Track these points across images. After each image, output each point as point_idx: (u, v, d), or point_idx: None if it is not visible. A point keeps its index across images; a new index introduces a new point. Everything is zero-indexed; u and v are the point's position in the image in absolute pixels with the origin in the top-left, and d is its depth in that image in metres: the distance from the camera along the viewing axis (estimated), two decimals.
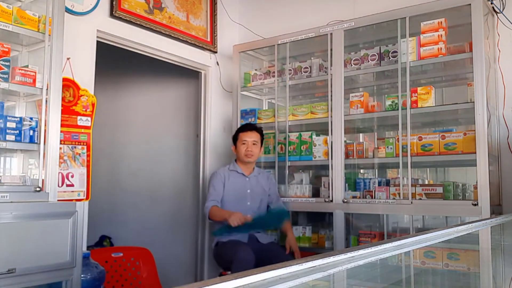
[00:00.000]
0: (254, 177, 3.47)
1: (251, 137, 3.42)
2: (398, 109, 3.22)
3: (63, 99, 2.82)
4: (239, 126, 3.88)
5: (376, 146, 3.53)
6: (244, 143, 3.42)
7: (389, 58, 3.34)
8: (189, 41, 4.01)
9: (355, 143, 3.51)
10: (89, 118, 3.15)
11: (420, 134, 3.19)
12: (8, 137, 2.45)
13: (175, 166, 4.52)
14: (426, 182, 3.63)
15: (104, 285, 2.74)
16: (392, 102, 3.28)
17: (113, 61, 4.23)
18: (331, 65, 3.50)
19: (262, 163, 3.84)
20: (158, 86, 4.77)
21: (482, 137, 2.89)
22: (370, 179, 3.49)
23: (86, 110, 3.14)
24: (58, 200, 2.51)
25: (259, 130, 3.48)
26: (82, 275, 2.41)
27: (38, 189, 2.41)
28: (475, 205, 2.87)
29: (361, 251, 1.15)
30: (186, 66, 4.13)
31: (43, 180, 2.45)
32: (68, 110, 3.03)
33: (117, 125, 4.98)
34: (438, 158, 3.13)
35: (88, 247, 3.31)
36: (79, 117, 3.10)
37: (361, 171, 3.77)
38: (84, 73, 3.20)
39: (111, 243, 4.69)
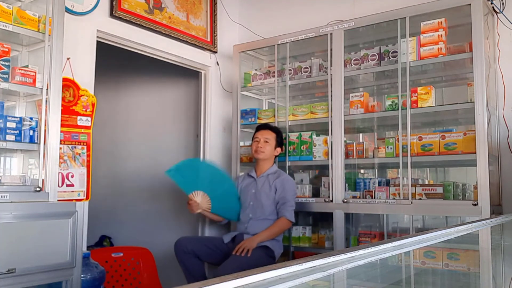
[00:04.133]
0: (262, 177, 3.45)
1: (263, 135, 3.47)
2: (398, 109, 3.22)
3: (63, 99, 2.82)
4: (239, 126, 3.92)
5: (376, 146, 3.53)
6: (256, 141, 3.48)
7: (389, 58, 3.34)
8: (189, 41, 4.01)
9: (355, 143, 3.51)
10: (89, 118, 3.15)
11: (420, 134, 3.19)
12: (8, 137, 2.44)
13: None
14: (426, 182, 3.63)
15: (104, 285, 2.74)
16: (392, 102, 3.28)
17: (113, 61, 4.23)
18: (331, 65, 3.50)
19: None
20: (158, 86, 4.76)
21: (482, 137, 2.89)
22: (370, 179, 3.49)
23: (86, 110, 3.14)
24: (58, 200, 2.51)
25: (274, 129, 3.53)
26: (82, 275, 2.41)
27: (38, 189, 2.41)
28: (475, 205, 2.87)
29: (361, 251, 1.15)
30: (186, 66, 4.12)
31: (43, 180, 2.45)
32: (68, 110, 3.03)
33: (117, 125, 4.97)
34: (438, 158, 3.12)
35: (88, 247, 3.31)
36: (79, 117, 3.10)
37: (361, 171, 3.77)
38: (84, 73, 3.20)
39: (111, 243, 4.69)
